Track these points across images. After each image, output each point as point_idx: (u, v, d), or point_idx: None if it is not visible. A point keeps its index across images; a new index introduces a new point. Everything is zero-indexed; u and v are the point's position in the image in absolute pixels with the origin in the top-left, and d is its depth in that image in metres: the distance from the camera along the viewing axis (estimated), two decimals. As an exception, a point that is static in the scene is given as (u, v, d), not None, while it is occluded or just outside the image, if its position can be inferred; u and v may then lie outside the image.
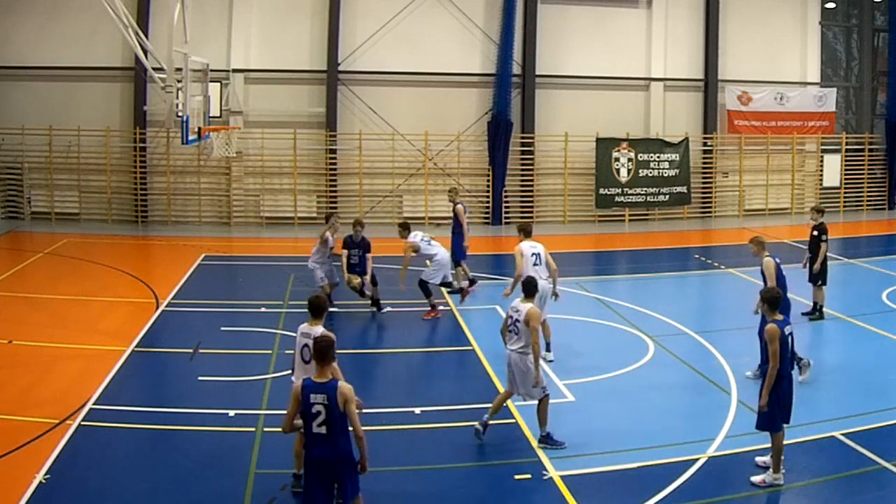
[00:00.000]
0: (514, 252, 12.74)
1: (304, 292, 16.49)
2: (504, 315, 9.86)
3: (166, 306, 15.70)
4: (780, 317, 8.70)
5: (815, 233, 15.28)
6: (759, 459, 8.97)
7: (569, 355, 13.07)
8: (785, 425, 8.65)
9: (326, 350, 6.99)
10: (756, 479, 8.66)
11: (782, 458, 8.61)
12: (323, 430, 6.86)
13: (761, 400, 8.53)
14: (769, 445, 8.67)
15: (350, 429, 6.92)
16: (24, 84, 25.56)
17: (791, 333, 8.69)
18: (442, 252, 15.42)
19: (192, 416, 10.47)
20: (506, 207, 27.16)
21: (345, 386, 6.89)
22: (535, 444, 9.60)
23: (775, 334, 8.45)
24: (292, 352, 8.96)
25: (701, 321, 15.54)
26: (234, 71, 25.74)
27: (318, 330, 8.27)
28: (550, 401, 9.70)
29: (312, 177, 26.74)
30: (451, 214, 17.47)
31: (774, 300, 8.77)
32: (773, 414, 8.56)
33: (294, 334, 13.81)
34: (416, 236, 15.28)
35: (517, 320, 9.57)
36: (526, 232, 13.14)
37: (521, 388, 9.66)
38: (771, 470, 8.63)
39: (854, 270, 20.37)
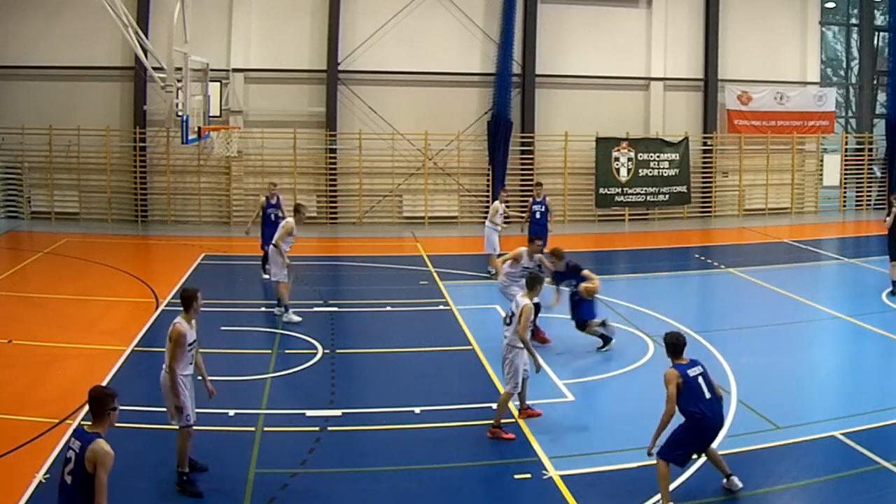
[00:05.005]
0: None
1: (304, 292, 16.56)
2: (503, 314, 9.82)
3: (166, 306, 15.66)
4: (684, 360, 8.18)
5: None
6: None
7: (569, 355, 13.06)
8: (696, 456, 8.34)
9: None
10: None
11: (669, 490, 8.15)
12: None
13: (650, 445, 8.11)
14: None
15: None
16: (24, 84, 25.55)
17: (702, 374, 8.11)
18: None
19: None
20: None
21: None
22: (535, 443, 9.60)
23: (671, 378, 8.01)
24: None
25: (701, 321, 15.52)
26: (234, 70, 25.74)
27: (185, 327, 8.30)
28: (550, 401, 9.65)
29: (312, 176, 26.73)
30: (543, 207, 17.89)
31: (673, 345, 8.26)
32: (677, 448, 8.11)
33: (287, 333, 13.99)
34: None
35: None
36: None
37: None
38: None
39: (854, 270, 20.37)
